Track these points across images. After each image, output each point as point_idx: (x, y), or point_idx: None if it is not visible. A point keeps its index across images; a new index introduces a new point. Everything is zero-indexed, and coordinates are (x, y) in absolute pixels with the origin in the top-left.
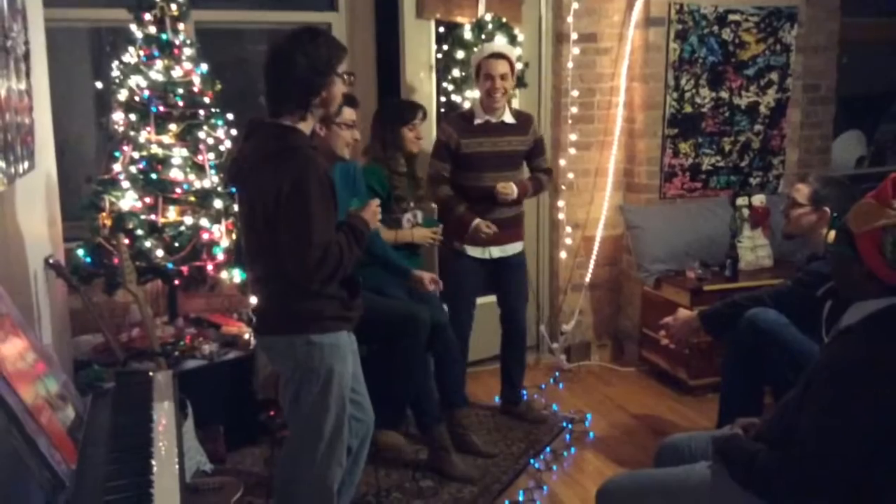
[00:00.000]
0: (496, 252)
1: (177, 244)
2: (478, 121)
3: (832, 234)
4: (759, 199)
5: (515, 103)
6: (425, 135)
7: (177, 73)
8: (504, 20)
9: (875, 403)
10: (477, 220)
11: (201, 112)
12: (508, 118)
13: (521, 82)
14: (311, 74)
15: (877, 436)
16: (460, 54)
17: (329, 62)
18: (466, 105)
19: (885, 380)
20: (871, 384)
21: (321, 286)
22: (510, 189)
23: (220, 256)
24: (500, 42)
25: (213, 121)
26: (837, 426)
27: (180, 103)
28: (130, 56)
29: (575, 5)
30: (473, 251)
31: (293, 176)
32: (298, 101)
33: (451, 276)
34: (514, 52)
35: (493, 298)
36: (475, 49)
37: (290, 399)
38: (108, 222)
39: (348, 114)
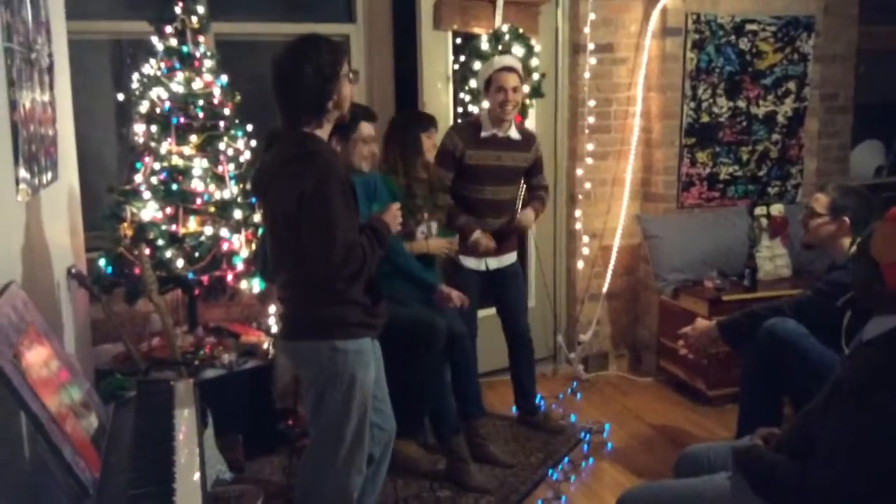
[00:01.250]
0: (493, 263)
1: (197, 254)
2: (484, 133)
3: (854, 248)
4: (777, 209)
5: (532, 113)
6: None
7: (197, 84)
8: (521, 31)
9: (890, 423)
10: (478, 233)
11: (221, 123)
12: (514, 134)
13: (537, 93)
14: (320, 81)
15: (893, 454)
16: (477, 65)
17: (334, 66)
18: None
19: None
20: (891, 399)
21: (346, 286)
22: (530, 216)
23: (240, 266)
24: (515, 53)
25: (233, 132)
26: (856, 440)
27: (201, 115)
28: (151, 68)
29: (591, 16)
30: (470, 262)
31: (314, 178)
32: (314, 110)
33: (452, 283)
34: (520, 66)
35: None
36: None
37: (313, 404)
38: (130, 232)
39: (366, 128)
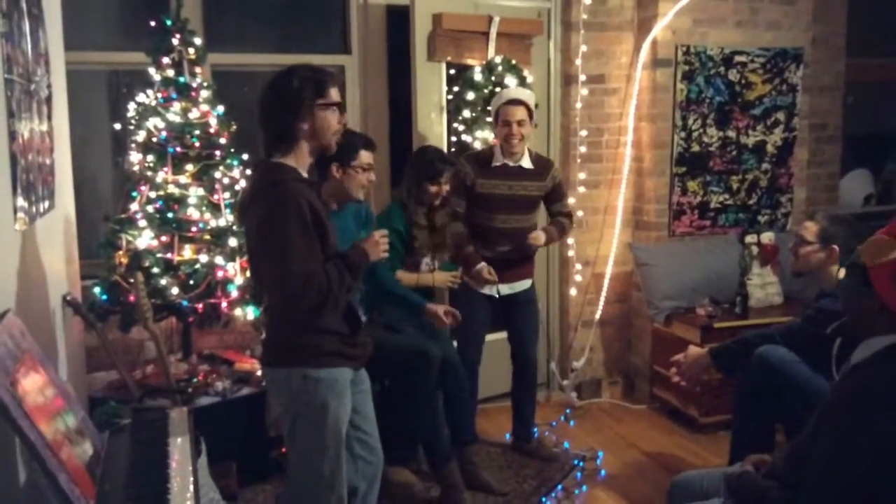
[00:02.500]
0: (505, 289)
1: (192, 282)
2: (496, 163)
3: (843, 270)
4: (767, 237)
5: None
6: None
7: (194, 114)
8: (513, 62)
9: (881, 440)
10: (481, 265)
11: (217, 152)
12: (526, 163)
13: (533, 121)
14: (281, 109)
15: (884, 472)
16: (471, 95)
17: (301, 93)
18: (477, 145)
19: (891, 416)
20: (877, 421)
21: (310, 315)
22: (539, 238)
23: (234, 294)
24: (511, 84)
25: (228, 161)
26: (844, 463)
27: (197, 144)
28: (148, 98)
29: (583, 47)
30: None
31: (270, 208)
32: (280, 136)
33: (460, 311)
34: (532, 97)
35: (503, 335)
36: (485, 90)
37: (288, 434)
38: (125, 260)
39: (365, 157)
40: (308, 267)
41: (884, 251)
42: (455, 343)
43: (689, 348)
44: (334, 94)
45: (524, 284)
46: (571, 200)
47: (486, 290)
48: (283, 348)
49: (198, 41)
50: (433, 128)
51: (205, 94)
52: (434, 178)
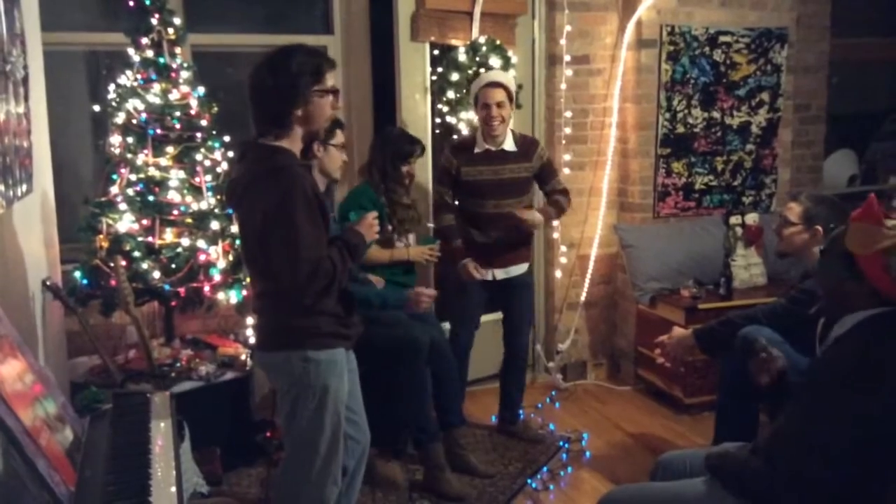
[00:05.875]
0: (500, 274)
1: (174, 265)
2: (478, 149)
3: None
4: (752, 218)
5: (510, 124)
6: (421, 163)
7: (174, 95)
8: (498, 43)
9: (861, 401)
10: (466, 261)
11: (198, 134)
12: (509, 146)
13: (515, 104)
14: (280, 93)
15: (863, 434)
16: (455, 76)
17: (299, 79)
18: (461, 126)
19: (872, 379)
20: (858, 383)
21: (315, 300)
22: (533, 218)
23: (217, 277)
24: (494, 64)
25: (209, 143)
26: (822, 419)
27: (177, 126)
28: (128, 79)
29: (567, 28)
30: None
31: (279, 194)
32: (274, 120)
33: (455, 294)
34: (511, 80)
35: (494, 317)
36: (469, 71)
37: (286, 415)
38: (106, 244)
39: (340, 137)
40: (317, 253)
41: (870, 240)
42: (448, 325)
43: (673, 329)
44: (331, 78)
45: (520, 269)
46: None
47: (479, 276)
48: (281, 331)
49: (177, 21)
50: (417, 109)
51: (185, 74)
52: (405, 159)
